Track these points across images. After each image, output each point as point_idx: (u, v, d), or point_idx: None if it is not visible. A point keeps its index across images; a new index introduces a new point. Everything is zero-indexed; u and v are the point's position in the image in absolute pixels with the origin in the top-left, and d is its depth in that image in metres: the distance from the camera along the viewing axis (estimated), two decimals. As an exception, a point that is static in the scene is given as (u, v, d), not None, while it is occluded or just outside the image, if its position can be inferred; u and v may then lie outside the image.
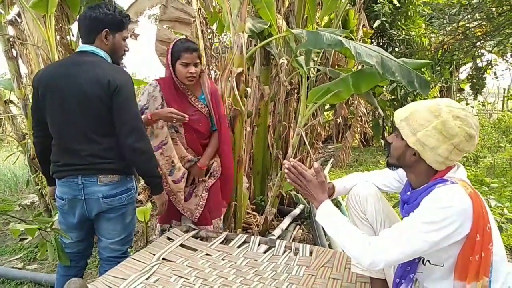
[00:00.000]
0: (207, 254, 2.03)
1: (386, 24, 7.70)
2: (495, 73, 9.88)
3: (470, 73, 10.15)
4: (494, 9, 5.39)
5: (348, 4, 4.48)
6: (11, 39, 3.42)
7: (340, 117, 7.03)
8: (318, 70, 3.68)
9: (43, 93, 1.76)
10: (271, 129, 3.74)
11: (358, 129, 6.63)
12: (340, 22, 3.89)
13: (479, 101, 11.13)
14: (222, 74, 2.72)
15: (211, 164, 2.42)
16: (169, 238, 2.15)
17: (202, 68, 2.30)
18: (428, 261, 1.33)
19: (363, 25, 5.59)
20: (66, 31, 3.48)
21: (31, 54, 3.31)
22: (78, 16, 1.87)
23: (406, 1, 7.82)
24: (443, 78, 8.51)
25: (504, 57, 9.06)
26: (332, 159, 6.61)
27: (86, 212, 1.83)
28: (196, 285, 1.72)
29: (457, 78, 10.07)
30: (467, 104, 10.02)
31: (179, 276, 1.78)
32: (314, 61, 3.56)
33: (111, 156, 1.79)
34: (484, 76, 9.87)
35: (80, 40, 1.88)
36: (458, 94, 10.65)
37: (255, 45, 3.36)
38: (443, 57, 8.18)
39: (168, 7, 2.80)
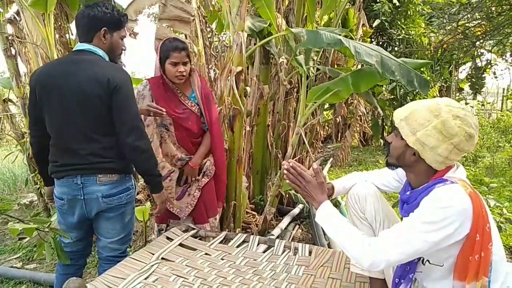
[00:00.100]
0: (206, 254, 2.02)
1: (386, 23, 7.70)
2: (494, 73, 9.90)
3: (470, 72, 10.16)
4: (493, 8, 5.39)
5: (348, 3, 4.47)
6: (10, 38, 3.41)
7: (340, 117, 7.02)
8: (318, 69, 3.68)
9: (41, 92, 1.75)
10: (270, 129, 3.74)
11: (358, 128, 6.64)
12: (339, 21, 3.89)
13: (478, 101, 11.14)
14: (221, 73, 2.71)
15: (204, 163, 2.42)
16: (168, 238, 2.15)
17: (193, 67, 2.31)
18: (428, 261, 1.32)
19: (363, 24, 5.58)
20: (65, 29, 3.47)
21: (30, 53, 3.30)
22: (76, 15, 1.85)
23: (406, 0, 7.82)
24: (442, 78, 8.51)
25: (504, 57, 9.07)
26: (331, 159, 6.61)
27: (85, 212, 1.82)
28: (195, 284, 1.71)
29: (456, 78, 10.09)
30: (466, 103, 10.03)
31: (178, 276, 1.78)
32: (313, 60, 3.56)
33: (111, 155, 1.79)
34: (483, 75, 9.88)
35: (78, 38, 1.86)
36: (457, 94, 10.67)
37: (255, 44, 3.35)
38: (442, 56, 8.19)
39: (168, 6, 2.79)
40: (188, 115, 2.30)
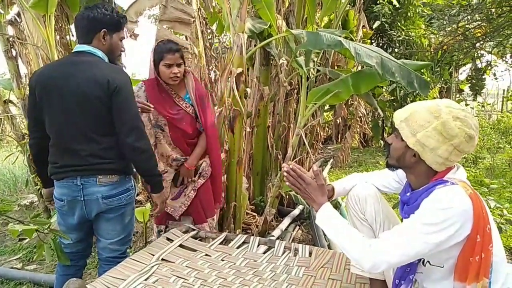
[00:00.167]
0: (206, 255, 2.02)
1: (386, 25, 7.71)
2: (494, 74, 9.89)
3: (470, 74, 10.16)
4: (493, 10, 5.39)
5: (348, 5, 4.48)
6: (10, 39, 3.41)
7: (340, 118, 7.04)
8: (318, 71, 3.68)
9: (41, 93, 1.75)
10: (270, 130, 3.74)
11: (358, 129, 6.65)
12: (340, 22, 3.90)
13: (478, 102, 11.14)
14: (221, 75, 2.71)
15: (200, 164, 2.43)
16: (168, 239, 2.15)
17: (187, 69, 2.32)
18: (428, 262, 1.32)
19: (363, 26, 5.59)
20: (65, 31, 3.48)
21: (30, 54, 3.31)
22: (75, 16, 1.86)
23: (406, 2, 7.83)
24: (442, 79, 8.51)
25: (504, 58, 9.06)
26: (331, 160, 6.61)
27: (85, 213, 1.82)
28: (195, 285, 1.71)
29: (456, 79, 10.08)
30: (466, 105, 10.01)
31: (178, 277, 1.78)
32: (313, 61, 3.56)
33: (111, 156, 1.79)
34: (483, 77, 9.88)
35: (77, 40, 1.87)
36: (457, 95, 10.66)
37: (255, 46, 3.36)
38: (442, 58, 8.19)
39: (168, 7, 2.80)
40: (182, 116, 2.31)
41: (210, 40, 4.01)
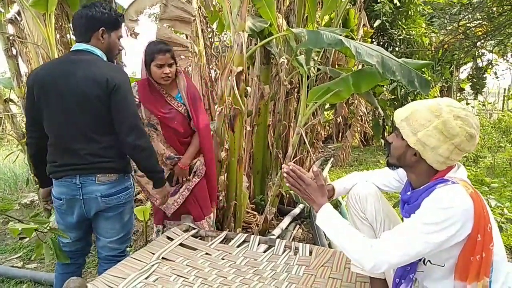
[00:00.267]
0: (206, 254, 2.02)
1: (387, 24, 7.69)
2: (495, 73, 9.89)
3: (471, 72, 10.16)
4: (494, 8, 5.38)
5: (349, 4, 4.47)
6: (11, 38, 3.41)
7: (340, 117, 7.02)
8: (318, 70, 3.68)
9: (39, 93, 1.75)
10: (271, 129, 3.74)
11: (358, 128, 6.63)
12: (340, 21, 3.89)
13: (479, 101, 11.13)
14: (222, 73, 2.71)
15: (194, 163, 2.44)
16: (168, 238, 2.14)
17: (178, 68, 2.33)
18: (429, 261, 1.32)
19: (364, 25, 5.58)
20: (66, 29, 3.48)
21: (31, 53, 3.31)
22: (73, 15, 1.86)
23: (407, 1, 7.82)
24: (443, 78, 8.50)
25: (505, 57, 9.06)
26: (332, 159, 6.61)
27: (84, 211, 1.83)
28: (195, 284, 1.71)
29: (457, 78, 10.07)
30: (467, 104, 10.02)
31: (178, 276, 1.78)
32: (314, 60, 3.56)
33: (110, 155, 1.79)
34: (484, 76, 9.88)
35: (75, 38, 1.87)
36: (458, 94, 10.65)
37: (255, 44, 3.35)
38: (443, 56, 8.18)
39: (168, 6, 2.79)
40: (174, 115, 2.32)
41: (210, 39, 4.01)
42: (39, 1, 2.68)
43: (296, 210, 3.78)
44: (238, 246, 2.11)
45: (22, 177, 5.23)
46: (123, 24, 1.95)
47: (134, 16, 3.05)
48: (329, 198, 1.58)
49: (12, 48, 3.45)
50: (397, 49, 8.00)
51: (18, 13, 3.36)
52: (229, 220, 2.97)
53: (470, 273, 1.21)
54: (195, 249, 2.07)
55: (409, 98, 7.18)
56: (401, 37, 7.69)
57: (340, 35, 2.55)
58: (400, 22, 7.84)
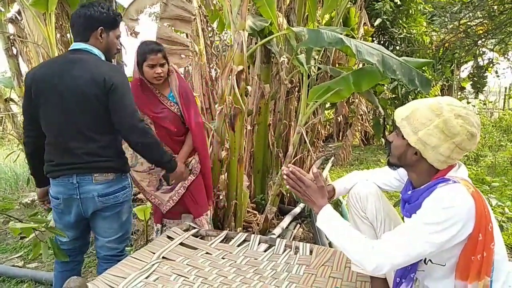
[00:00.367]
0: (207, 253, 2.02)
1: (387, 22, 7.67)
2: (496, 72, 9.86)
3: (472, 71, 10.14)
4: (495, 7, 5.37)
5: (349, 2, 4.46)
6: (11, 37, 3.42)
7: (341, 116, 7.02)
8: (319, 69, 3.67)
9: (37, 91, 1.75)
10: (271, 128, 3.74)
11: (359, 127, 6.62)
12: (341, 20, 3.89)
13: (480, 100, 11.11)
14: (222, 72, 2.71)
15: (189, 162, 2.44)
16: (169, 237, 2.14)
17: (171, 68, 2.33)
18: (430, 260, 1.32)
19: (364, 23, 5.57)
20: (66, 29, 3.47)
21: (31, 52, 3.31)
22: (71, 14, 1.86)
23: (408, -1, 7.80)
24: (444, 77, 8.49)
25: (506, 56, 9.03)
26: (332, 158, 6.61)
27: (82, 211, 1.83)
28: (196, 284, 1.71)
29: (458, 77, 10.05)
30: (468, 102, 10.00)
31: (179, 275, 1.78)
32: (315, 59, 3.55)
33: (108, 154, 1.80)
34: (485, 74, 9.86)
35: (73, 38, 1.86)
36: (459, 93, 10.63)
37: (256, 43, 3.35)
38: (444, 55, 8.16)
39: (169, 5, 2.79)
40: (166, 114, 2.33)
41: (210, 38, 4.01)
42: (39, 0, 2.68)
43: (297, 210, 3.78)
44: (238, 246, 2.11)
45: (23, 176, 5.24)
46: (123, 24, 1.96)
47: (134, 15, 3.05)
48: (330, 199, 1.58)
49: (13, 47, 3.46)
50: (397, 47, 7.98)
51: (19, 12, 3.37)
52: (230, 219, 2.97)
53: (471, 273, 1.21)
54: (195, 248, 2.07)
55: (409, 97, 7.17)
56: (401, 35, 7.68)
57: (341, 34, 2.54)
58: (400, 21, 7.82)
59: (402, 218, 1.52)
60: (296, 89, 3.83)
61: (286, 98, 3.77)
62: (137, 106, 2.19)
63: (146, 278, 1.73)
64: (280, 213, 3.73)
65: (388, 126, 8.03)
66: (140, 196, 4.07)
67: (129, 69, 2.76)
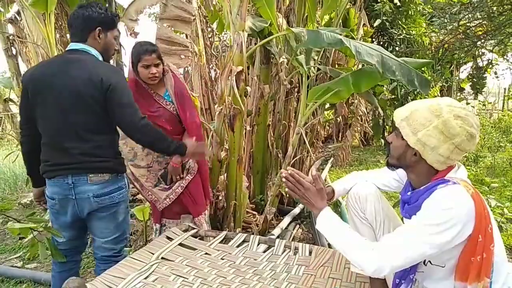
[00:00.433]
0: (206, 254, 2.02)
1: (387, 23, 7.68)
2: (495, 73, 9.88)
3: (471, 72, 10.16)
4: (495, 8, 5.38)
5: (349, 3, 4.47)
6: (10, 37, 3.42)
7: (340, 116, 7.03)
8: (318, 69, 3.67)
9: (34, 91, 1.75)
10: (271, 128, 3.74)
11: (358, 128, 6.64)
12: (340, 21, 3.89)
13: (479, 101, 11.13)
14: (222, 73, 2.71)
15: (187, 161, 2.45)
16: (168, 237, 2.14)
17: (165, 68, 2.34)
18: (429, 261, 1.31)
19: (364, 24, 5.58)
20: (65, 29, 3.48)
21: (30, 52, 3.31)
22: (70, 15, 1.87)
23: (407, 0, 7.81)
24: (443, 78, 8.50)
25: (505, 57, 9.04)
26: (332, 159, 6.61)
27: (77, 211, 1.82)
28: (195, 284, 1.71)
29: (457, 78, 10.07)
30: (467, 103, 10.03)
31: (178, 276, 1.77)
32: (314, 60, 3.55)
33: (104, 154, 1.80)
34: (484, 75, 9.88)
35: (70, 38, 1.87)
36: (458, 94, 10.65)
37: (255, 44, 3.35)
38: (443, 56, 8.17)
39: (168, 6, 2.79)
40: (161, 113, 2.34)
41: (210, 39, 4.01)
42: (38, 0, 2.68)
43: (296, 210, 3.78)
44: (237, 246, 2.10)
45: (22, 177, 5.23)
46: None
47: (134, 16, 3.05)
48: (329, 200, 1.57)
49: (12, 47, 3.46)
50: (397, 48, 7.98)
51: (18, 12, 3.37)
52: (229, 220, 2.97)
53: (471, 274, 1.21)
54: (194, 249, 2.06)
55: (409, 97, 7.17)
56: (401, 36, 7.68)
57: (340, 34, 2.54)
58: (400, 22, 7.83)
59: (402, 219, 1.52)
60: (296, 89, 3.83)
61: (286, 98, 3.77)
62: None
63: (145, 278, 1.73)
64: (279, 213, 3.73)
65: (387, 127, 8.04)
66: (140, 196, 4.07)
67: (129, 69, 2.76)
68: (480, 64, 9.73)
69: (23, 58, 3.49)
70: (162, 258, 1.92)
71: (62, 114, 1.73)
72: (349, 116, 7.15)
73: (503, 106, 13.84)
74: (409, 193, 1.39)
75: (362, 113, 6.34)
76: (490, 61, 9.48)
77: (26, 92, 1.78)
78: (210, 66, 3.80)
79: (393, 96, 7.52)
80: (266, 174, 3.84)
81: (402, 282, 1.36)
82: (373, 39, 7.94)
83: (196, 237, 2.20)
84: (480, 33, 6.11)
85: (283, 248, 2.06)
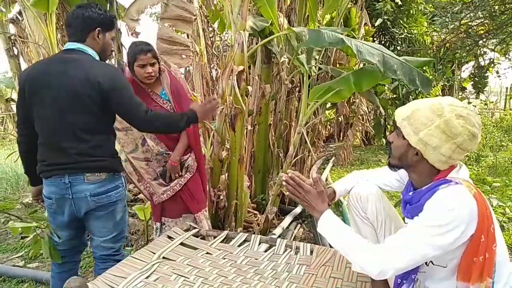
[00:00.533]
0: (207, 253, 2.02)
1: (388, 23, 7.66)
2: (497, 72, 9.85)
3: (473, 71, 10.14)
4: (496, 7, 5.36)
5: (350, 2, 4.46)
6: (12, 37, 3.43)
7: (342, 116, 7.02)
8: (320, 69, 3.67)
9: (31, 91, 1.75)
10: (272, 128, 3.74)
11: (360, 127, 6.62)
12: (341, 20, 3.88)
13: (481, 100, 11.10)
14: (223, 72, 2.71)
15: (186, 159, 2.46)
16: (169, 237, 2.14)
17: (162, 67, 2.35)
18: (431, 262, 1.31)
19: (365, 24, 5.57)
20: (67, 29, 3.48)
21: (32, 52, 3.32)
22: (67, 15, 1.88)
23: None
24: (445, 77, 8.48)
25: (507, 56, 9.02)
26: (333, 158, 6.60)
27: (74, 210, 1.83)
28: (196, 284, 1.71)
29: (459, 77, 10.04)
30: (469, 103, 9.99)
31: (179, 275, 1.78)
32: (315, 59, 3.55)
33: (100, 154, 1.80)
34: (486, 74, 9.85)
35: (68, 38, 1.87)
36: (460, 93, 10.62)
37: (257, 43, 3.35)
38: (445, 55, 8.14)
39: (169, 5, 2.79)
40: (158, 111, 2.34)
41: (211, 38, 4.01)
42: (40, 0, 2.68)
43: (297, 210, 3.78)
44: (239, 246, 2.10)
45: (24, 176, 5.22)
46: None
47: (135, 16, 3.05)
48: (331, 201, 1.57)
49: (14, 47, 3.47)
50: (398, 48, 7.96)
51: (20, 12, 3.38)
52: (230, 219, 2.97)
53: (473, 274, 1.20)
54: (196, 248, 2.06)
55: (410, 97, 7.15)
56: (402, 36, 7.66)
57: (341, 34, 2.54)
58: (401, 21, 7.81)
59: (403, 219, 1.52)
60: (297, 89, 3.83)
61: (287, 98, 3.77)
62: None
63: (147, 278, 1.73)
64: (280, 213, 3.73)
65: (389, 126, 8.02)
66: (141, 196, 4.07)
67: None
68: (482, 63, 9.70)
69: (24, 58, 3.50)
70: (163, 257, 1.92)
71: (59, 113, 1.73)
72: (350, 115, 7.13)
73: (505, 105, 13.81)
74: (410, 193, 1.39)
75: (364, 112, 6.32)
76: (492, 60, 9.46)
77: (23, 92, 1.78)
78: (211, 66, 3.80)
79: (394, 96, 7.50)
80: (267, 173, 3.84)
81: (403, 282, 1.36)
82: (375, 39, 7.92)
83: (197, 237, 2.20)
84: (481, 32, 6.10)
85: (284, 247, 2.06)
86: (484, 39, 6.30)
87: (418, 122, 1.27)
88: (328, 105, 5.02)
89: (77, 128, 1.75)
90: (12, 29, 3.51)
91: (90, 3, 1.85)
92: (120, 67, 3.46)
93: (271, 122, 3.76)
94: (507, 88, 13.66)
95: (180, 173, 2.45)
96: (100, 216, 1.87)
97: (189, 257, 1.96)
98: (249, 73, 3.32)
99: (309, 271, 1.83)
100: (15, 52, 3.47)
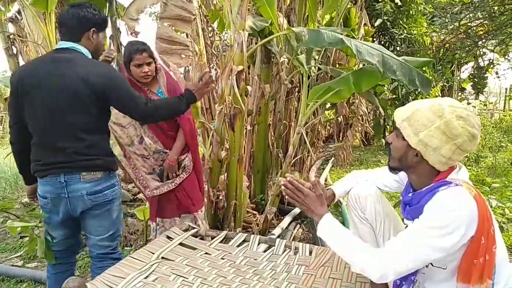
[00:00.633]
0: (206, 253, 2.02)
1: (388, 23, 7.67)
2: (496, 73, 9.86)
3: (472, 72, 10.14)
4: (496, 8, 5.37)
5: (350, 3, 4.46)
6: (11, 37, 3.42)
7: (341, 116, 7.02)
8: (319, 69, 3.67)
9: (23, 91, 1.74)
10: (271, 128, 3.74)
11: (359, 128, 6.63)
12: (341, 20, 3.89)
13: (480, 101, 11.11)
14: (222, 72, 2.71)
15: (183, 159, 2.46)
16: (168, 237, 2.14)
17: (158, 66, 2.35)
18: (431, 263, 1.31)
19: (365, 24, 5.58)
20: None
21: (31, 52, 3.32)
22: (60, 14, 1.88)
23: (408, 0, 7.79)
24: (444, 77, 8.48)
25: (506, 57, 9.03)
26: (333, 158, 6.60)
27: (70, 210, 1.82)
28: (195, 284, 1.71)
29: (458, 77, 10.04)
30: (468, 103, 10.01)
31: (178, 275, 1.77)
32: (315, 59, 3.55)
33: (95, 153, 1.80)
34: (485, 75, 9.85)
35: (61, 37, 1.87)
36: (459, 94, 10.63)
37: (256, 43, 3.35)
38: (444, 56, 8.16)
39: (169, 5, 2.79)
40: None
41: (211, 38, 4.01)
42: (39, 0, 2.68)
43: (297, 210, 3.78)
44: (238, 246, 2.10)
45: (23, 176, 5.23)
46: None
47: (134, 15, 3.05)
48: (331, 203, 1.56)
49: (13, 46, 3.46)
50: (398, 48, 7.96)
51: (19, 12, 3.37)
52: (229, 219, 2.97)
53: (473, 276, 1.20)
54: (194, 248, 2.06)
55: (410, 97, 7.16)
56: (402, 36, 7.66)
57: (341, 34, 2.53)
58: (401, 21, 7.81)
59: (402, 220, 1.52)
60: (296, 89, 3.83)
61: (286, 98, 3.77)
62: None
63: (145, 278, 1.72)
64: (280, 213, 3.72)
65: (388, 126, 8.03)
66: (140, 196, 4.07)
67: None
68: (481, 64, 9.70)
69: (23, 57, 3.50)
70: (162, 257, 1.92)
71: (53, 113, 1.73)
72: (350, 115, 7.14)
73: (504, 106, 13.83)
74: (410, 194, 1.38)
75: (363, 112, 6.33)
76: (491, 61, 9.46)
77: (15, 91, 1.77)
78: (211, 66, 3.80)
79: (394, 96, 7.51)
80: (267, 173, 3.83)
81: (403, 283, 1.35)
82: (374, 39, 7.92)
83: (196, 237, 2.20)
84: (481, 32, 6.10)
85: (284, 248, 2.06)
86: (484, 40, 6.31)
87: (418, 123, 1.27)
88: (328, 105, 5.03)
89: (72, 127, 1.75)
90: (11, 28, 3.51)
91: (84, 2, 1.85)
92: (118, 67, 3.45)
93: (271, 122, 3.76)
94: (506, 89, 13.68)
95: (177, 173, 2.45)
96: (97, 215, 1.87)
97: (188, 257, 1.96)
98: (249, 73, 3.32)
99: (308, 271, 1.83)
100: (14, 51, 3.46)
